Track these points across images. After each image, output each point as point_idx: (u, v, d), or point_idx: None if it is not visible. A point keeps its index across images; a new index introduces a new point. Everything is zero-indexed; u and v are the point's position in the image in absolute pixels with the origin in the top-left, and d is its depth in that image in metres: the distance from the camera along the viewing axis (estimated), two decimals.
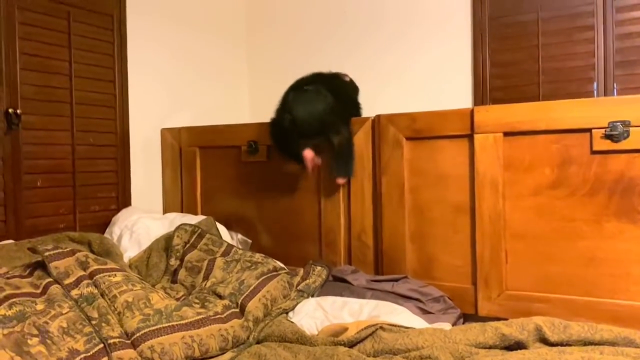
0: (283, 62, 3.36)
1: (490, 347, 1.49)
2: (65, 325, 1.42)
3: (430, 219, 2.13)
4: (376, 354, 1.50)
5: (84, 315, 1.50)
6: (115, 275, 1.68)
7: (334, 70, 2.53)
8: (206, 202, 2.69)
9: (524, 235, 1.95)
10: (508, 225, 1.98)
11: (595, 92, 2.54)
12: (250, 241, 2.53)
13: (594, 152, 1.85)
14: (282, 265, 2.13)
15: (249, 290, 1.82)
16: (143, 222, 2.32)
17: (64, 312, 1.47)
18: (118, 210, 2.51)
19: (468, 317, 2.01)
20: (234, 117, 3.27)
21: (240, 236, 2.54)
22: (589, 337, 1.46)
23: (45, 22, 2.23)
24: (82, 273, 1.65)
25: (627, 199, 1.81)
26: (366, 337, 1.55)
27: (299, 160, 2.22)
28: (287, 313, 1.85)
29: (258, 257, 2.12)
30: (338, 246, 2.32)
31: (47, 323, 1.40)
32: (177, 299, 1.83)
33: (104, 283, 1.63)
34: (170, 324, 1.53)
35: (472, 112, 2.02)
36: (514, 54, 2.71)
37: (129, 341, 1.46)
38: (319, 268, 2.11)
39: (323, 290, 2.02)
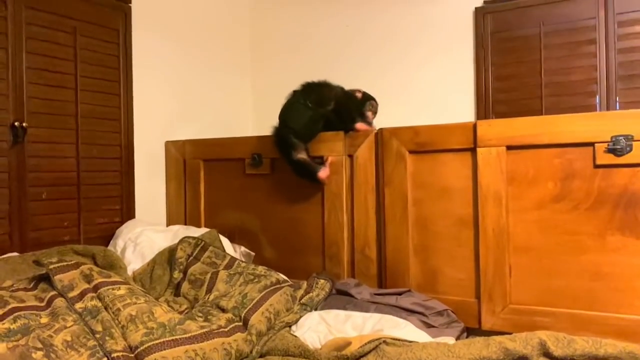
0: (286, 76, 3.37)
1: None
2: (69, 338, 1.42)
3: (434, 232, 2.13)
4: None
5: (88, 329, 1.50)
6: (119, 288, 1.68)
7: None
8: (210, 215, 2.70)
9: (528, 249, 1.95)
10: (512, 238, 1.97)
11: (597, 105, 2.55)
12: (253, 254, 2.53)
13: (597, 166, 1.85)
14: (285, 278, 2.13)
15: (252, 304, 1.82)
16: (147, 235, 2.32)
17: (68, 325, 1.48)
18: (122, 222, 2.51)
19: (472, 331, 2.01)
20: (238, 130, 3.29)
21: (243, 249, 2.54)
22: (594, 352, 1.45)
23: (51, 37, 2.25)
24: (86, 286, 1.66)
25: (630, 212, 1.81)
26: (369, 351, 1.54)
27: (315, 179, 2.29)
28: (290, 326, 1.85)
29: (261, 269, 2.12)
30: (341, 259, 2.32)
31: (51, 337, 1.40)
32: (181, 313, 1.83)
33: (108, 296, 1.63)
34: (174, 337, 1.53)
35: (474, 126, 2.03)
36: (516, 68, 2.72)
37: (132, 355, 1.46)
38: (322, 281, 2.10)
39: (326, 303, 2.01)
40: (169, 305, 1.86)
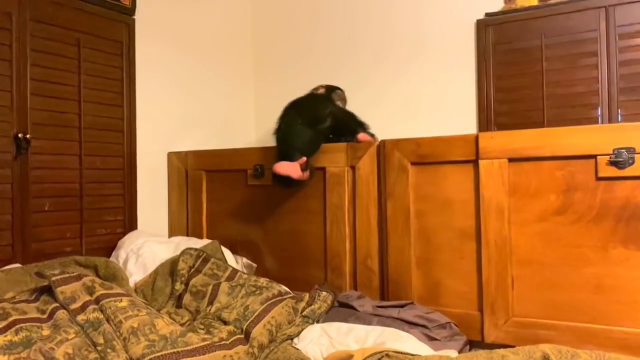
0: (289, 87, 3.39)
1: None
2: (70, 351, 1.42)
3: (436, 244, 2.13)
4: None
5: (90, 341, 1.50)
6: (121, 300, 1.68)
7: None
8: (212, 226, 2.70)
9: (530, 261, 1.95)
10: (514, 251, 1.97)
11: (599, 118, 2.55)
12: (255, 265, 2.53)
13: (599, 179, 1.85)
14: (287, 289, 2.13)
15: (253, 316, 1.82)
16: (149, 246, 2.32)
17: (69, 337, 1.47)
18: (124, 233, 2.52)
19: (474, 344, 2.00)
20: (240, 142, 3.30)
21: (245, 260, 2.53)
22: None
23: (55, 49, 2.27)
24: (88, 298, 1.66)
25: (633, 225, 1.81)
26: None
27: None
28: (292, 339, 1.84)
29: (263, 281, 2.12)
30: (343, 271, 2.31)
31: (53, 349, 1.40)
32: (182, 325, 1.83)
33: (110, 308, 1.63)
34: (176, 350, 1.52)
35: (476, 138, 2.03)
36: (518, 80, 2.73)
37: None
38: (324, 293, 2.10)
39: (328, 316, 2.01)
40: (170, 317, 1.86)
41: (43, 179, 2.22)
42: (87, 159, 2.38)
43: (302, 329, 1.88)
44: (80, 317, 1.58)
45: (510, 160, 1.97)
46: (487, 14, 2.82)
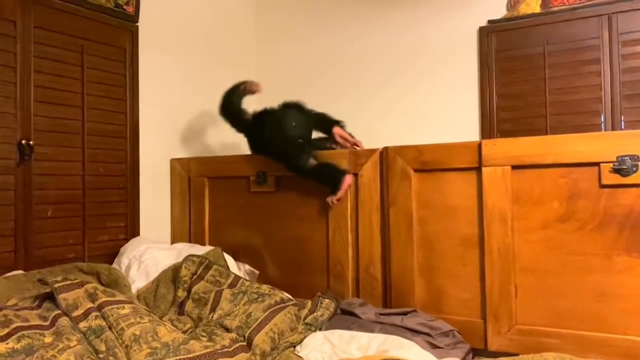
0: (291, 94, 3.38)
1: None
2: (73, 358, 1.42)
3: (439, 251, 2.12)
4: None
5: (92, 349, 1.49)
6: (124, 307, 1.67)
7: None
8: (214, 232, 2.70)
9: (534, 269, 1.94)
10: (517, 258, 1.97)
11: (602, 124, 2.55)
12: (257, 272, 2.52)
13: (602, 186, 1.85)
14: (289, 296, 2.12)
15: (256, 324, 1.81)
16: (151, 253, 2.32)
17: (72, 345, 1.47)
18: (127, 240, 2.52)
19: (477, 351, 1.99)
20: (243, 148, 3.29)
21: (247, 267, 2.53)
22: None
23: (59, 56, 2.28)
24: (90, 305, 1.65)
25: (637, 233, 1.80)
26: None
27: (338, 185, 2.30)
28: (294, 347, 1.84)
29: (265, 288, 2.11)
30: (346, 278, 2.31)
31: (55, 357, 1.40)
32: (184, 332, 1.83)
33: (112, 315, 1.63)
34: (178, 357, 1.52)
35: (479, 145, 2.03)
36: (521, 87, 2.73)
37: None
38: (327, 300, 2.09)
39: (331, 323, 2.00)
40: (172, 325, 1.86)
41: (46, 185, 2.22)
42: (90, 166, 2.39)
43: (305, 337, 1.87)
44: (83, 325, 1.58)
45: (513, 167, 1.97)
46: (489, 21, 2.83)
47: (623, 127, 2.51)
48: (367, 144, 2.44)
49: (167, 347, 1.54)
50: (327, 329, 1.96)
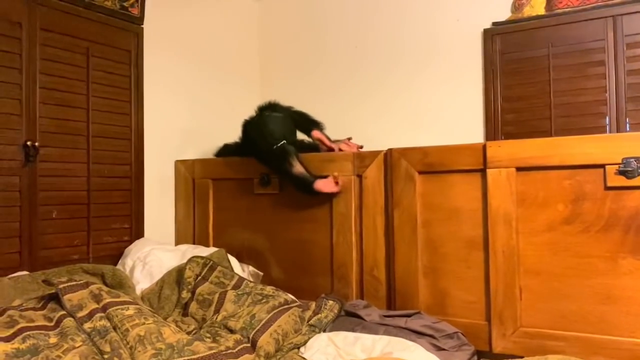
0: (296, 97, 3.40)
1: None
2: (77, 359, 1.42)
3: (443, 253, 2.12)
4: None
5: (97, 349, 1.50)
6: (128, 308, 1.68)
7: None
8: (218, 234, 2.70)
9: (539, 271, 1.94)
10: (522, 261, 1.96)
11: (607, 127, 2.54)
12: (261, 273, 2.52)
13: (607, 188, 1.84)
14: (293, 298, 2.12)
15: (260, 325, 1.81)
16: (155, 254, 2.33)
17: (76, 345, 1.47)
18: (131, 241, 2.52)
19: (482, 354, 1.98)
20: None
21: (251, 268, 2.53)
22: None
23: (65, 58, 2.28)
24: (95, 306, 1.66)
25: None
26: None
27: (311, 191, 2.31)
28: (298, 348, 1.84)
29: (269, 290, 2.11)
30: (350, 280, 2.30)
31: (60, 357, 1.40)
32: (189, 333, 1.83)
33: (117, 316, 1.63)
34: (182, 358, 1.52)
35: (484, 147, 2.03)
36: (525, 89, 2.73)
37: None
38: (331, 302, 2.09)
39: (335, 325, 2.00)
40: (177, 326, 1.86)
41: (51, 186, 2.23)
42: (95, 167, 2.39)
43: (309, 338, 1.87)
44: (87, 325, 1.58)
45: (518, 169, 1.97)
46: (494, 23, 2.82)
47: (628, 129, 2.51)
48: (371, 146, 2.44)
49: (172, 348, 1.54)
50: (331, 330, 1.96)
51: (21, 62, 2.13)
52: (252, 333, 1.76)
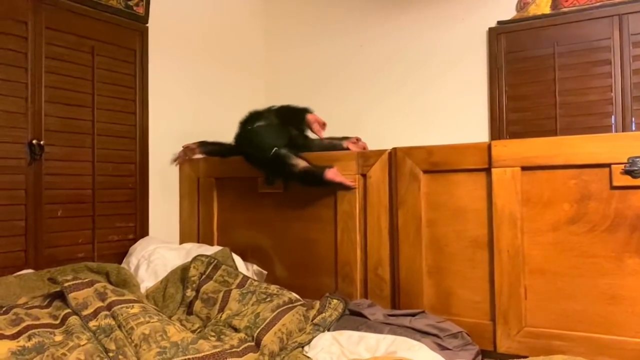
0: (301, 96, 3.40)
1: None
2: (83, 357, 1.42)
3: (448, 253, 2.12)
4: None
5: (102, 348, 1.50)
6: (133, 306, 1.68)
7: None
8: (222, 233, 2.70)
9: (544, 271, 1.93)
10: (527, 261, 1.95)
11: (613, 126, 2.53)
12: (265, 272, 2.52)
13: (613, 188, 1.83)
14: (297, 297, 2.12)
15: (264, 324, 1.81)
16: (160, 253, 2.33)
17: (82, 343, 1.48)
18: (136, 240, 2.53)
19: (486, 353, 1.98)
20: None
21: (255, 267, 2.53)
22: None
23: (70, 56, 2.29)
24: (100, 304, 1.66)
25: None
26: None
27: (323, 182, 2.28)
28: (302, 347, 1.84)
29: (273, 288, 2.11)
30: (354, 279, 2.30)
31: (65, 355, 1.41)
32: (193, 332, 1.83)
33: (122, 315, 1.63)
34: (187, 357, 1.52)
35: (489, 146, 2.02)
36: (530, 88, 2.72)
37: None
38: (335, 301, 2.09)
39: (339, 324, 2.00)
40: (181, 324, 1.86)
41: (56, 185, 2.23)
42: (100, 166, 2.40)
43: (313, 337, 1.87)
44: (92, 324, 1.59)
45: (524, 168, 1.96)
46: (499, 22, 2.82)
47: (634, 128, 2.50)
48: (376, 145, 2.43)
49: (176, 346, 1.55)
50: (335, 329, 1.95)
51: (27, 60, 2.13)
52: (257, 332, 1.76)
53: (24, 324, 1.48)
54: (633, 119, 2.51)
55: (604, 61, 2.57)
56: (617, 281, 1.82)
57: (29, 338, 1.43)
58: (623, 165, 1.80)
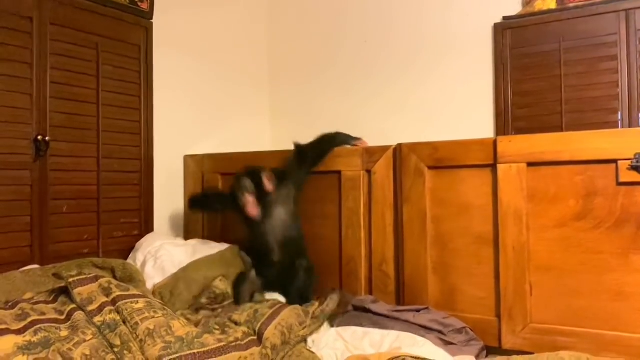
0: (304, 91, 3.40)
1: None
2: (88, 352, 1.43)
3: (453, 249, 2.11)
4: None
5: (107, 343, 1.50)
6: (138, 302, 1.68)
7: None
8: (227, 229, 2.70)
9: (549, 267, 1.92)
10: (532, 257, 1.95)
11: (619, 122, 2.51)
12: None
13: (620, 184, 1.82)
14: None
15: (264, 318, 1.81)
16: (167, 249, 2.33)
17: (87, 339, 1.48)
18: (141, 236, 2.53)
19: (491, 350, 1.97)
20: (256, 145, 3.30)
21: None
22: None
23: (75, 52, 2.29)
24: (105, 299, 1.66)
25: None
26: None
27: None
28: (305, 341, 1.84)
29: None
30: (359, 276, 2.30)
31: (71, 350, 1.41)
32: (196, 324, 1.83)
33: (126, 310, 1.63)
34: (192, 351, 1.52)
35: (495, 142, 2.01)
36: (536, 84, 2.70)
37: None
38: (331, 294, 2.11)
39: (344, 320, 2.00)
40: (185, 318, 1.87)
41: (61, 181, 2.24)
42: (105, 162, 2.40)
43: (315, 329, 1.88)
44: (97, 319, 1.59)
45: (529, 164, 1.95)
46: (504, 18, 2.80)
47: None
48: (380, 142, 2.42)
49: (181, 341, 1.55)
50: (339, 325, 1.96)
51: (32, 56, 2.14)
52: (258, 325, 1.76)
53: (29, 319, 1.49)
54: None
55: (610, 57, 2.56)
56: (623, 278, 1.81)
57: (35, 333, 1.43)
58: (630, 161, 1.79)
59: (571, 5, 2.65)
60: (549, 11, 2.70)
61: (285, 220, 2.23)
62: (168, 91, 2.74)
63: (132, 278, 2.00)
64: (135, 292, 1.77)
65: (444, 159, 2.12)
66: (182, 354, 1.50)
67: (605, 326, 1.83)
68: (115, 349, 1.49)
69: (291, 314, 1.89)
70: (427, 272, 2.15)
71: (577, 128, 2.51)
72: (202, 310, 2.04)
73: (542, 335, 1.91)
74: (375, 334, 1.83)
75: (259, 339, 1.71)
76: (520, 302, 1.95)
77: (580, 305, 1.87)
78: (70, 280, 1.69)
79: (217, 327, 1.75)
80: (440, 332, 1.91)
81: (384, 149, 2.27)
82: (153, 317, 1.62)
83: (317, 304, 2.06)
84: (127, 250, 2.46)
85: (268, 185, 2.19)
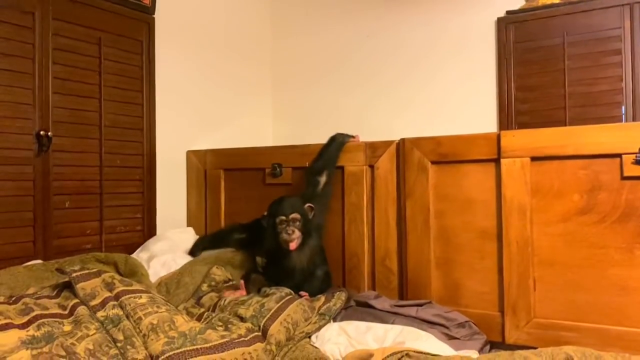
0: (307, 85, 3.39)
1: None
2: (91, 347, 1.43)
3: (456, 244, 2.10)
4: None
5: (110, 337, 1.50)
6: (141, 297, 1.68)
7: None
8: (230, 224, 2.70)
9: (553, 262, 1.92)
10: (536, 252, 1.94)
11: (623, 116, 2.51)
12: None
13: (624, 178, 1.81)
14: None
15: (270, 314, 1.81)
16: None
17: (90, 333, 1.48)
18: (143, 231, 2.54)
19: (495, 344, 1.97)
20: (258, 140, 3.30)
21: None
22: None
23: (77, 48, 2.29)
24: (108, 294, 1.66)
25: None
26: None
27: None
28: (309, 337, 1.84)
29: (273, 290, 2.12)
30: (362, 270, 2.30)
31: (74, 344, 1.41)
32: (199, 317, 1.83)
33: (130, 305, 1.63)
34: (195, 347, 1.52)
35: (498, 136, 2.00)
36: (539, 78, 2.70)
37: None
38: (339, 292, 2.10)
39: (347, 314, 2.00)
40: (188, 312, 1.87)
41: (64, 176, 2.24)
42: (107, 157, 2.40)
43: (320, 326, 1.87)
44: (100, 314, 1.59)
45: (533, 159, 1.94)
46: (508, 12, 2.79)
47: None
48: (384, 136, 2.41)
49: (184, 336, 1.54)
50: (342, 320, 1.95)
51: (34, 51, 2.13)
52: (263, 321, 1.75)
53: (33, 314, 1.49)
54: None
55: (614, 51, 2.55)
56: (628, 272, 1.81)
57: (38, 327, 1.43)
58: (634, 155, 1.78)
59: None
60: (553, 5, 2.69)
61: (314, 247, 2.19)
62: (170, 86, 2.73)
63: (135, 272, 2.00)
64: (138, 287, 1.76)
65: (447, 153, 2.12)
66: (185, 349, 1.50)
67: (609, 321, 1.82)
68: (118, 344, 1.48)
69: (297, 309, 1.89)
70: (430, 267, 2.14)
71: (581, 122, 2.50)
72: (205, 298, 2.04)
73: (546, 330, 1.91)
74: (378, 328, 1.82)
75: (264, 334, 1.71)
76: (524, 296, 1.95)
77: (584, 300, 1.87)
78: (74, 275, 1.69)
79: (220, 323, 1.75)
80: (443, 326, 1.91)
81: (387, 143, 2.27)
82: (156, 312, 1.62)
83: (323, 299, 2.05)
84: (129, 245, 2.47)
85: (310, 214, 2.17)
